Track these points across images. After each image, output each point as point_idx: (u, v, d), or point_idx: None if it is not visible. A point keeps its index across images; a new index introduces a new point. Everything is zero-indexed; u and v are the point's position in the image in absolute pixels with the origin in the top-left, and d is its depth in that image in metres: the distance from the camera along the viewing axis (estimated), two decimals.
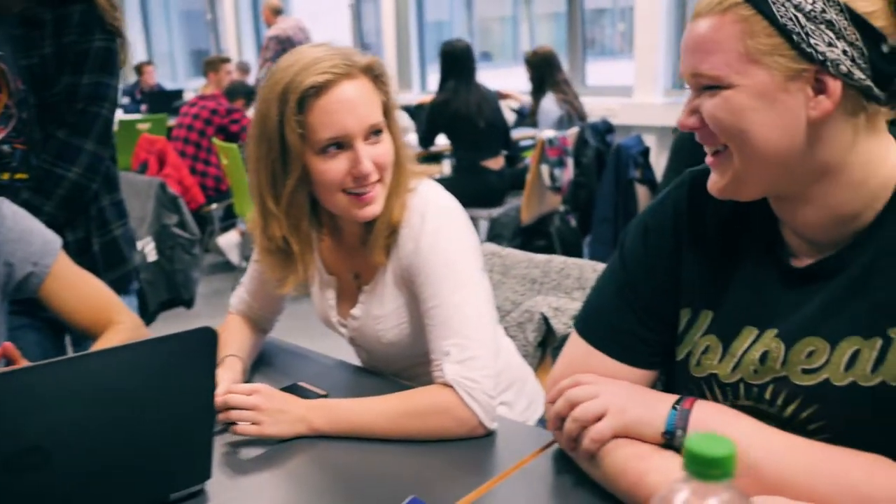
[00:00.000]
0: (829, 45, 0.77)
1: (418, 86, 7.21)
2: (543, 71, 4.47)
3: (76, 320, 1.37)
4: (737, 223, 0.96)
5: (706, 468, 0.50)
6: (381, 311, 1.33)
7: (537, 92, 4.54)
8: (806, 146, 0.82)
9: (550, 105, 4.43)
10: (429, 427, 1.15)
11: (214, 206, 4.71)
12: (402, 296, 1.31)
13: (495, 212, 3.96)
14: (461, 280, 1.22)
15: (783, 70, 0.79)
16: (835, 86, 0.79)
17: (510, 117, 5.14)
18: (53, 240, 1.36)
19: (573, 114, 4.42)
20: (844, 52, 0.78)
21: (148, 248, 2.91)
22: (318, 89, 1.17)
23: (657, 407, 0.93)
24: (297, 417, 1.17)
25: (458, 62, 3.99)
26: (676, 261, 1.00)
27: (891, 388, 0.81)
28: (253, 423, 1.15)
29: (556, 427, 1.00)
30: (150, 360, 0.90)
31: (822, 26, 0.77)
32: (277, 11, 6.56)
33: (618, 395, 0.96)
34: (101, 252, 1.71)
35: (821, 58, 0.78)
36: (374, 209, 1.24)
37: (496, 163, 4.11)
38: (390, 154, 1.25)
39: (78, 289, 1.38)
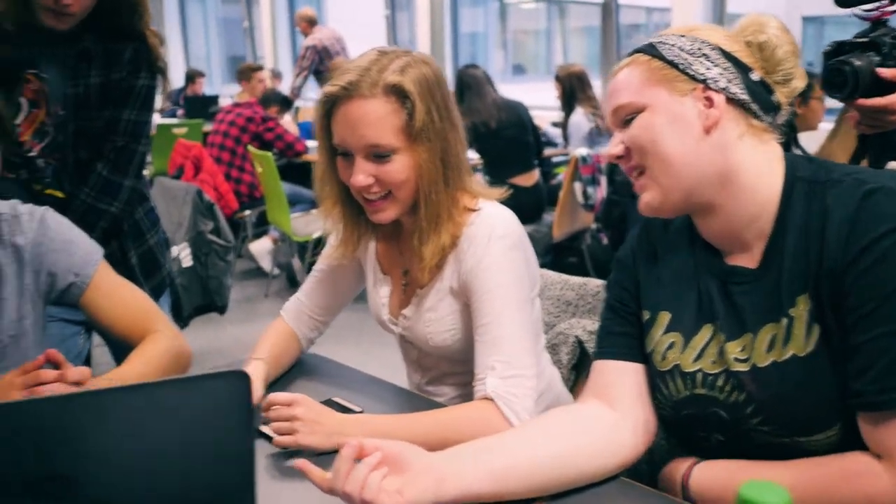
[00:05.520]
0: (707, 68, 1.02)
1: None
2: (574, 86, 4.49)
3: (116, 329, 1.39)
4: (685, 236, 1.13)
5: None
6: (434, 315, 1.34)
7: (567, 107, 4.56)
8: (707, 155, 1.01)
9: (580, 119, 4.44)
10: (466, 439, 1.09)
11: (248, 212, 4.75)
12: (456, 303, 1.33)
13: (529, 228, 3.96)
14: (515, 306, 1.24)
15: (677, 90, 1.02)
16: (719, 98, 1.01)
17: (555, 132, 5.14)
18: (95, 251, 1.39)
19: (603, 128, 4.42)
20: (720, 73, 1.01)
21: (184, 254, 2.94)
22: (334, 100, 1.24)
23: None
24: (333, 430, 1.16)
25: (470, 85, 4.17)
26: (637, 276, 1.17)
27: (799, 358, 0.97)
28: (289, 434, 1.15)
29: None
30: (186, 399, 0.85)
31: (701, 58, 1.02)
32: (312, 22, 6.64)
33: None
34: (139, 262, 1.76)
35: (702, 77, 1.01)
36: (384, 216, 1.29)
37: (528, 179, 4.10)
38: (400, 174, 1.24)
39: (118, 298, 1.39)
